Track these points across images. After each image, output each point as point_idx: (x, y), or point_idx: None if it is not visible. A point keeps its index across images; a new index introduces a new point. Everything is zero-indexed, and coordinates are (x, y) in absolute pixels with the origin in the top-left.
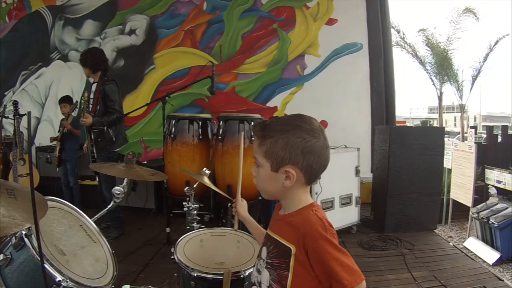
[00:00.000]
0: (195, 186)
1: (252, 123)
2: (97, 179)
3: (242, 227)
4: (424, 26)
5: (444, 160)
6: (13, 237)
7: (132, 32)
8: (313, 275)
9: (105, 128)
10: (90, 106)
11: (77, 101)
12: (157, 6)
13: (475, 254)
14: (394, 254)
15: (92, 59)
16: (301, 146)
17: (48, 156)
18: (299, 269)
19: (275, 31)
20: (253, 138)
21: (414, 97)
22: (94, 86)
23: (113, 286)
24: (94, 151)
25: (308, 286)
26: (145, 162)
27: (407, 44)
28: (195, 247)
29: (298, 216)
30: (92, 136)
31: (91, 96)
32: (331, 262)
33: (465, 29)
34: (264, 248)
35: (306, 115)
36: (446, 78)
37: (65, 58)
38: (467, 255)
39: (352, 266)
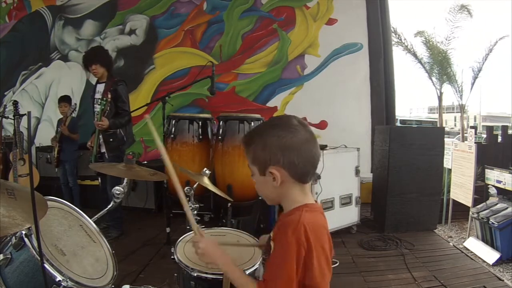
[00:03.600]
0: (195, 186)
1: (252, 123)
2: (99, 179)
3: (243, 227)
4: (423, 27)
5: (444, 160)
6: (13, 237)
7: (132, 32)
8: (300, 276)
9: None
10: (97, 106)
11: (75, 103)
12: (157, 6)
13: (475, 254)
14: (394, 254)
15: (109, 58)
16: (276, 144)
17: (48, 156)
18: None
19: (275, 31)
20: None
21: (414, 97)
22: (101, 86)
23: (113, 286)
24: (103, 151)
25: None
26: (145, 162)
27: (405, 46)
28: None
29: (287, 216)
30: (101, 135)
31: (98, 96)
32: (271, 258)
33: (463, 28)
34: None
35: (287, 114)
36: (445, 78)
37: (65, 58)
38: (467, 255)
39: (280, 275)
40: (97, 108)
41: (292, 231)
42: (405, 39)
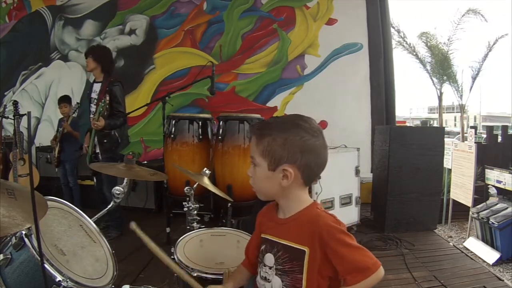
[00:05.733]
0: (195, 186)
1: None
2: (94, 179)
3: (243, 227)
4: (425, 26)
5: (444, 160)
6: (13, 237)
7: (132, 32)
8: (326, 273)
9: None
10: (93, 106)
11: (77, 103)
12: (157, 6)
13: (475, 254)
14: (394, 254)
15: (106, 56)
16: (299, 144)
17: (48, 156)
18: (313, 269)
19: (275, 31)
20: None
21: (414, 97)
22: (97, 86)
23: (113, 286)
24: (98, 151)
25: (322, 284)
26: (145, 162)
27: (408, 44)
28: (195, 247)
29: (305, 216)
30: (97, 137)
31: (94, 96)
32: (353, 252)
33: (466, 29)
34: (269, 255)
35: (304, 115)
36: (446, 78)
37: (65, 58)
38: (467, 255)
39: (370, 253)
40: (93, 107)
41: (335, 222)
42: (405, 36)
